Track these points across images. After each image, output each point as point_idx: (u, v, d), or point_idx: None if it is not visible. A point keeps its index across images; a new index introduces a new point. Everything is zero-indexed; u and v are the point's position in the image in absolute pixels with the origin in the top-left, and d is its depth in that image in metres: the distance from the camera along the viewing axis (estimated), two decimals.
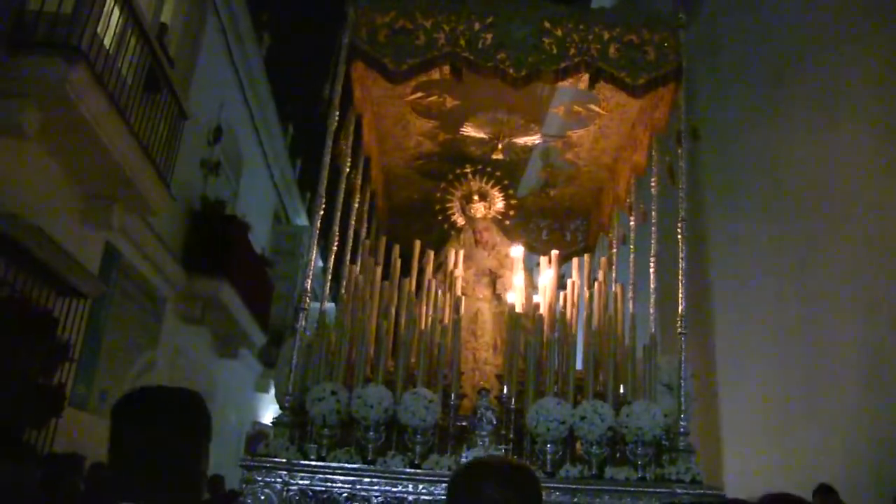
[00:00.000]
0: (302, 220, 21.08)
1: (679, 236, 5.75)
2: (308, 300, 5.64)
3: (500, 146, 7.42)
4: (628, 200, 7.04)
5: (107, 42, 7.89)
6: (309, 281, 5.72)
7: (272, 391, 6.56)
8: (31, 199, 7.43)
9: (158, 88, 9.06)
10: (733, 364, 9.60)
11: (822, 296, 8.07)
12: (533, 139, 7.45)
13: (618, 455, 5.34)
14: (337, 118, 5.94)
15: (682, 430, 5.28)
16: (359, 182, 6.87)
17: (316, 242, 5.79)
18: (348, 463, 5.13)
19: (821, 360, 7.95)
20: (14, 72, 6.81)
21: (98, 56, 7.49)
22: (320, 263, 6.83)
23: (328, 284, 6.40)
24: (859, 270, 7.60)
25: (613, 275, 7.01)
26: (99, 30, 7.70)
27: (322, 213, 5.78)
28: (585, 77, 6.13)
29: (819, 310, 8.08)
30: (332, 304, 6.70)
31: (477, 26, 5.94)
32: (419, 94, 6.91)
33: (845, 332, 7.64)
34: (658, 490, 5.06)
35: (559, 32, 5.94)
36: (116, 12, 7.89)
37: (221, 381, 14.49)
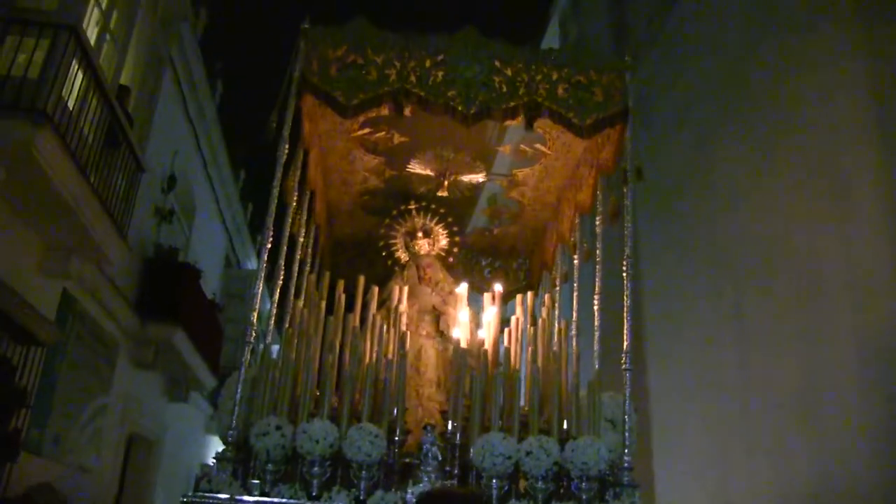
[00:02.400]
0: (252, 264, 21.22)
1: (624, 273, 5.83)
2: (254, 333, 5.57)
3: (445, 184, 7.47)
4: (572, 238, 7.12)
5: (70, 103, 8.18)
6: (255, 314, 5.66)
7: None
8: None
9: (118, 144, 9.32)
10: (667, 400, 9.73)
11: (757, 336, 8.25)
12: (478, 177, 7.50)
13: (562, 490, 5.35)
14: (286, 151, 5.92)
15: (626, 465, 5.34)
16: (304, 217, 6.83)
17: (262, 276, 5.75)
18: (292, 498, 5.06)
19: (756, 396, 8.12)
20: None
21: (62, 117, 7.80)
22: (268, 305, 6.79)
23: (273, 318, 6.34)
24: (791, 311, 7.81)
25: (557, 312, 7.06)
26: (63, 92, 7.95)
27: (269, 245, 5.75)
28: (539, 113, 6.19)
29: (754, 349, 8.26)
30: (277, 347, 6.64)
31: (428, 63, 6.00)
32: (367, 130, 6.93)
33: (781, 369, 7.82)
34: None
35: (509, 72, 6.03)
36: (80, 75, 8.17)
37: (172, 425, 14.51)
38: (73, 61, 8.00)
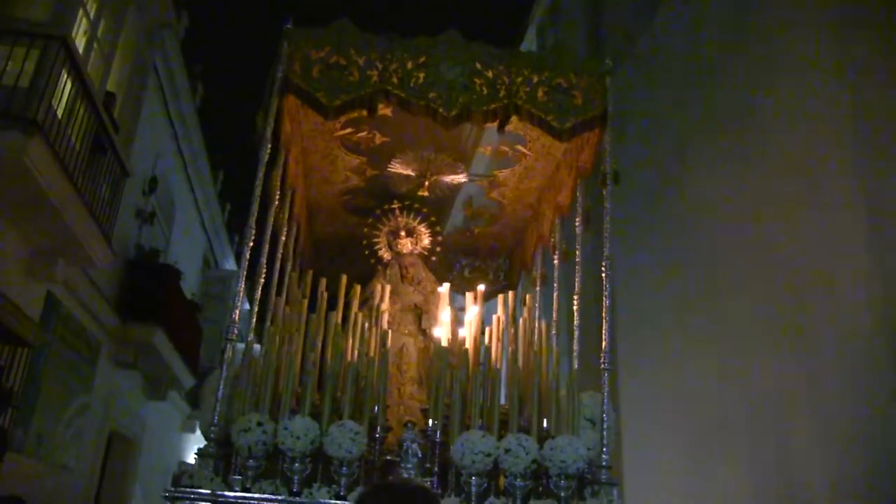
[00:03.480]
0: (230, 265, 21.33)
1: (603, 275, 5.91)
2: (236, 331, 5.61)
3: (426, 184, 7.53)
4: (552, 240, 7.20)
5: (59, 110, 8.35)
6: (237, 312, 5.70)
7: (198, 431, 6.65)
8: None
9: (104, 151, 9.50)
10: (639, 402, 9.83)
11: (733, 340, 8.35)
12: (459, 178, 7.57)
13: (541, 488, 5.41)
14: (269, 150, 5.96)
15: (604, 462, 5.41)
16: (286, 215, 6.87)
17: (244, 274, 5.80)
18: (273, 495, 5.10)
19: (731, 401, 8.21)
20: None
21: (51, 125, 7.98)
22: (247, 306, 6.85)
23: (254, 316, 6.38)
24: (769, 317, 7.91)
25: (537, 312, 7.14)
26: (52, 100, 8.12)
27: (252, 243, 5.79)
28: (514, 118, 6.26)
29: (731, 353, 8.35)
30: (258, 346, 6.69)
31: (410, 65, 6.05)
32: (349, 130, 6.98)
33: (757, 375, 7.91)
34: None
35: (490, 74, 6.09)
36: (69, 84, 8.34)
37: (150, 423, 14.67)
38: (63, 70, 8.14)
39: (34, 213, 8.28)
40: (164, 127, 14.22)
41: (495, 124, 6.57)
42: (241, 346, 6.19)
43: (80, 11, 9.00)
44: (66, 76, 8.27)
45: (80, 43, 9.01)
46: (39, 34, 8.00)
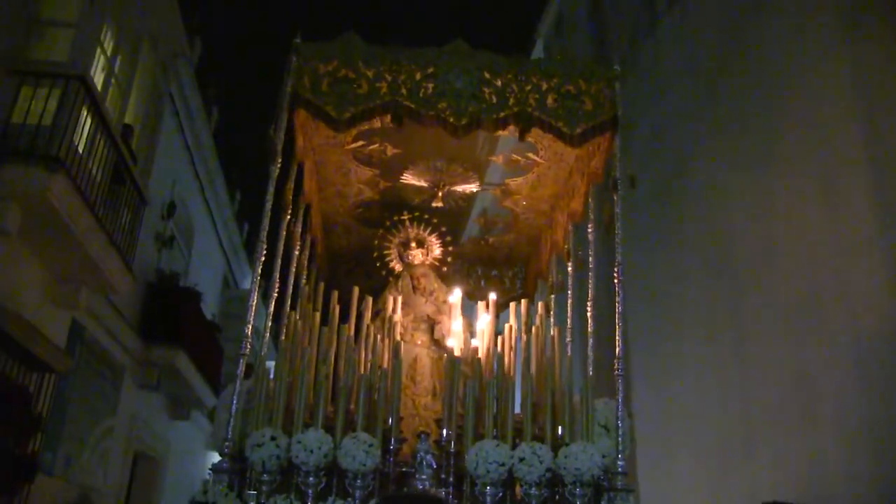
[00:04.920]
0: (248, 284, 21.25)
1: (616, 280, 5.87)
2: (249, 346, 5.62)
3: (440, 194, 7.53)
4: (566, 247, 7.16)
5: (80, 145, 8.62)
6: (250, 327, 5.71)
7: None
8: (8, 285, 8.23)
9: (123, 181, 9.82)
10: (655, 407, 9.77)
11: (752, 340, 8.29)
12: (472, 187, 7.56)
13: (557, 496, 5.38)
14: (279, 165, 5.98)
15: (620, 469, 5.36)
16: (299, 229, 6.89)
17: (257, 289, 5.81)
18: None
19: (753, 401, 8.15)
20: (1, 179, 7.63)
21: (73, 160, 8.27)
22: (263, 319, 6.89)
23: (268, 331, 6.38)
24: (786, 315, 7.85)
25: (551, 319, 7.10)
26: (74, 136, 8.39)
27: (263, 258, 5.81)
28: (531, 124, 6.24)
29: (750, 353, 8.29)
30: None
31: (418, 76, 6.06)
32: (360, 143, 7.00)
33: (777, 373, 7.86)
34: None
35: (499, 83, 6.09)
36: (89, 120, 8.72)
37: (174, 442, 14.91)
38: (83, 108, 8.45)
39: (57, 244, 8.58)
40: (181, 152, 14.46)
41: (507, 133, 6.59)
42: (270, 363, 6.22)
43: (98, 50, 9.29)
44: (85, 113, 8.59)
45: (98, 79, 9.29)
46: (60, 74, 8.32)
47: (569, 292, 6.98)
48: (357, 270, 8.23)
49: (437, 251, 7.66)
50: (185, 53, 12.72)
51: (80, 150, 8.61)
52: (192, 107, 14.35)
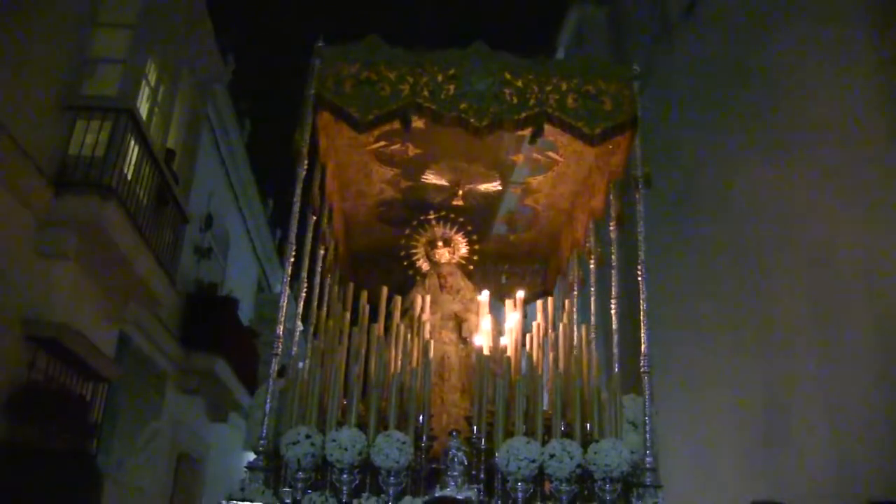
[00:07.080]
0: (280, 287, 21.69)
1: (639, 278, 5.94)
2: (281, 346, 5.72)
3: (460, 193, 7.61)
4: (587, 244, 7.22)
5: (128, 172, 9.35)
6: (281, 327, 5.80)
7: None
8: (67, 304, 8.82)
9: (166, 202, 10.48)
10: (677, 401, 9.82)
11: (774, 334, 8.33)
12: (493, 186, 7.63)
13: (586, 492, 5.45)
14: (306, 167, 6.08)
15: (648, 465, 5.44)
16: (326, 230, 6.98)
17: (286, 291, 5.91)
18: None
19: (777, 392, 8.19)
20: (60, 208, 8.39)
21: (123, 187, 9.00)
22: (299, 326, 7.00)
23: (298, 331, 6.48)
24: (810, 307, 7.89)
25: (575, 316, 7.16)
26: (123, 166, 9.15)
27: (293, 259, 5.91)
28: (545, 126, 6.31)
29: (774, 346, 8.33)
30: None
31: (440, 78, 6.13)
32: (382, 143, 7.07)
33: (801, 367, 7.90)
34: None
35: (519, 83, 6.15)
36: (136, 149, 9.41)
37: (214, 444, 15.78)
38: (130, 138, 9.18)
39: (109, 265, 9.27)
40: (217, 166, 15.31)
41: (527, 132, 6.65)
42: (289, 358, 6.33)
43: (143, 82, 9.90)
44: (133, 142, 9.27)
45: (143, 108, 9.90)
46: (110, 108, 9.00)
47: (591, 290, 7.04)
48: (378, 269, 8.30)
49: (463, 250, 7.74)
50: (221, 75, 13.34)
51: (129, 177, 9.23)
52: (226, 122, 15.17)
